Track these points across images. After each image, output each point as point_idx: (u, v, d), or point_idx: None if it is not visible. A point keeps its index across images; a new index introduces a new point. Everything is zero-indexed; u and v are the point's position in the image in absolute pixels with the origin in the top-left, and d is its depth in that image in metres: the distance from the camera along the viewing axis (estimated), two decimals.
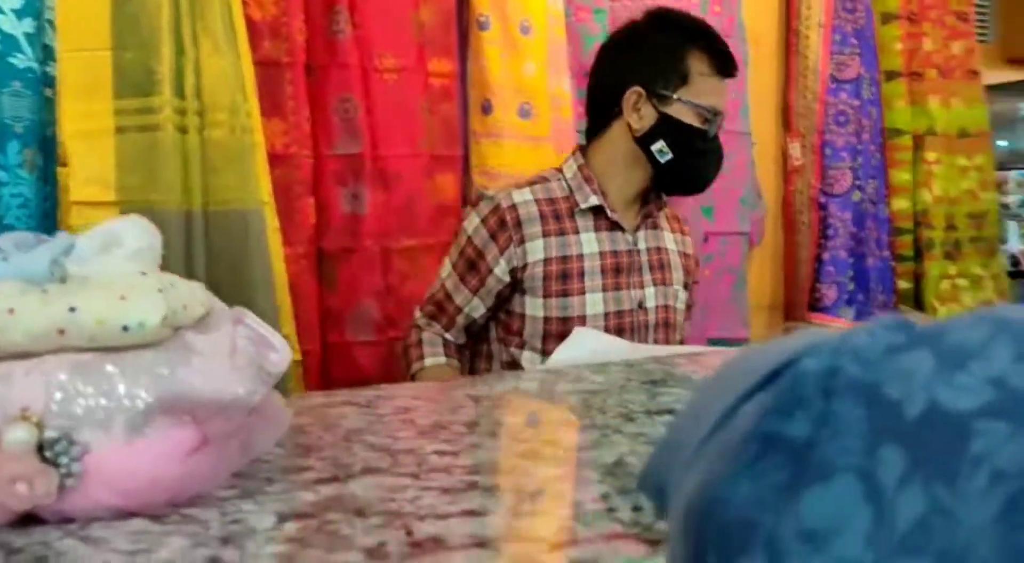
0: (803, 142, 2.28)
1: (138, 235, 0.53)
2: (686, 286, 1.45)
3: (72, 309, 0.48)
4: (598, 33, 2.02)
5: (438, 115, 1.92)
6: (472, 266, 1.33)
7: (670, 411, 0.71)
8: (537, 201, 1.33)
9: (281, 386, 1.48)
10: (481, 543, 0.43)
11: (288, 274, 1.75)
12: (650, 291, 1.36)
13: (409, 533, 0.44)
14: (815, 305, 2.26)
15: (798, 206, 2.29)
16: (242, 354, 0.53)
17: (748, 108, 2.21)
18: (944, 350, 0.25)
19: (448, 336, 1.37)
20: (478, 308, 1.33)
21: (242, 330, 0.58)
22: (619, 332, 1.32)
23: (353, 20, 1.83)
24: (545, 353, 1.28)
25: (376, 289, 1.82)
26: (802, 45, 2.27)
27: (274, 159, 1.75)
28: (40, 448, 0.46)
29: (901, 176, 2.36)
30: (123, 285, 0.50)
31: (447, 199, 1.94)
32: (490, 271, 1.31)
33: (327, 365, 1.79)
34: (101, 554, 0.43)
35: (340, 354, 1.80)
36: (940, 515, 0.22)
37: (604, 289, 1.32)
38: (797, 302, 2.25)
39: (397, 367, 1.85)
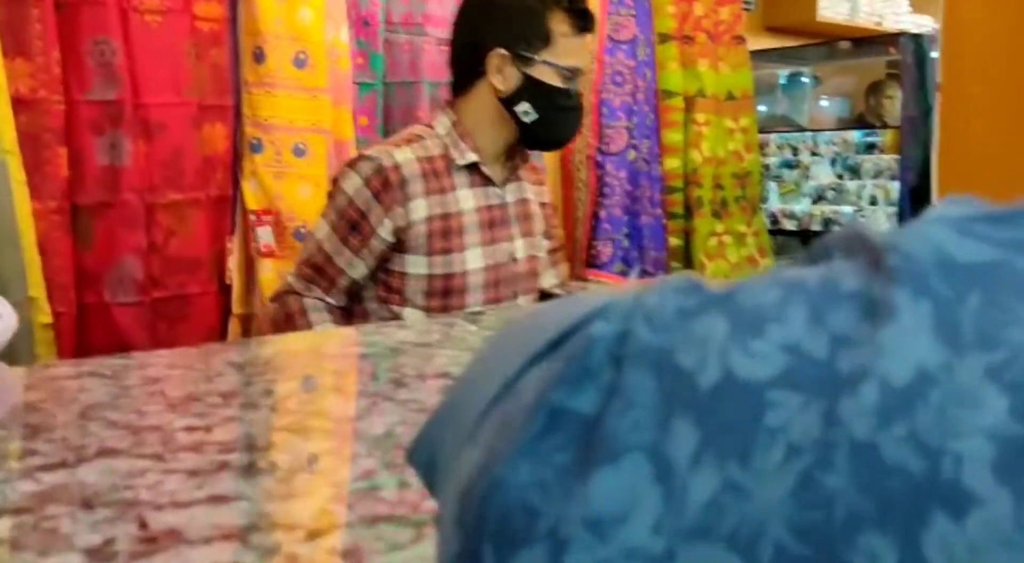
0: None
1: None
2: (546, 235, 1.49)
3: None
4: None
5: (206, 61, 1.81)
6: (354, 227, 1.30)
7: (447, 375, 0.69)
8: (418, 160, 1.31)
9: (26, 353, 1.35)
10: (228, 535, 0.39)
11: (37, 231, 1.60)
12: (519, 243, 1.40)
13: (143, 526, 0.40)
14: (592, 262, 2.33)
15: (576, 164, 2.33)
16: None
17: None
18: (738, 314, 0.23)
19: (329, 299, 1.33)
20: (359, 269, 1.31)
21: None
22: (496, 285, 1.35)
23: None
24: (428, 310, 1.30)
25: (138, 247, 1.70)
26: None
27: (19, 104, 1.59)
28: None
29: (673, 136, 2.46)
30: None
31: (217, 151, 1.83)
32: (373, 232, 1.28)
33: (83, 329, 1.66)
34: None
35: (98, 317, 1.68)
36: (733, 494, 0.20)
37: (482, 244, 1.35)
38: (576, 259, 2.31)
39: (162, 331, 1.74)
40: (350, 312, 1.38)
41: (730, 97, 2.55)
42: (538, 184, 1.51)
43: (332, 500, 0.44)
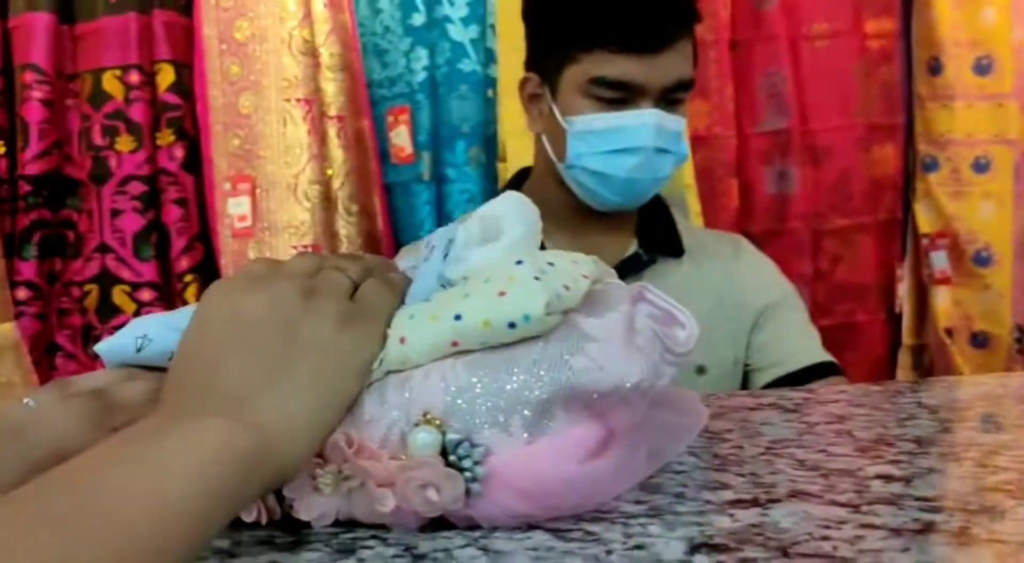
0: None
1: (515, 222, 0.50)
2: None
3: (457, 317, 0.46)
4: None
5: (876, 80, 1.74)
6: None
7: None
8: None
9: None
10: None
11: None
12: None
13: None
14: None
15: None
16: (642, 334, 0.48)
17: None
18: None
19: None
20: None
21: (643, 307, 0.53)
22: None
23: None
24: None
25: (804, 274, 1.70)
26: None
27: (696, 141, 1.71)
28: (443, 452, 0.44)
29: None
30: (501, 281, 0.46)
31: (886, 172, 1.76)
32: None
33: None
34: None
35: None
36: None
37: None
38: None
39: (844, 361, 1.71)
40: None
41: None
42: None
43: None
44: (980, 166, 1.72)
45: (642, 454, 0.50)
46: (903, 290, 1.75)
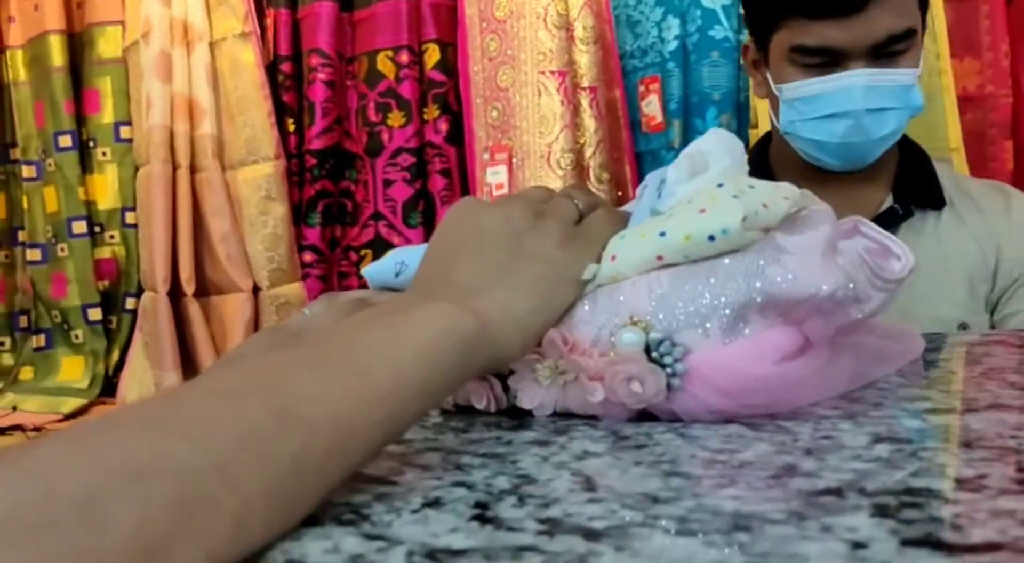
0: None
1: (720, 155, 0.54)
2: None
3: (662, 234, 0.50)
4: None
5: None
6: None
7: None
8: None
9: None
10: None
11: None
12: None
13: (1021, 469, 0.37)
14: None
15: None
16: (846, 255, 0.50)
17: None
18: None
19: None
20: None
21: (858, 240, 0.55)
22: None
23: None
24: None
25: None
26: None
27: (965, 102, 1.62)
28: (647, 349, 0.49)
29: None
30: (702, 200, 0.51)
31: None
32: None
33: None
34: (691, 448, 0.44)
35: None
36: None
37: None
38: None
39: None
40: None
41: None
42: None
43: None
44: None
45: (843, 368, 0.52)
46: None
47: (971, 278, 1.18)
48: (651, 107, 1.72)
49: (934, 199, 1.22)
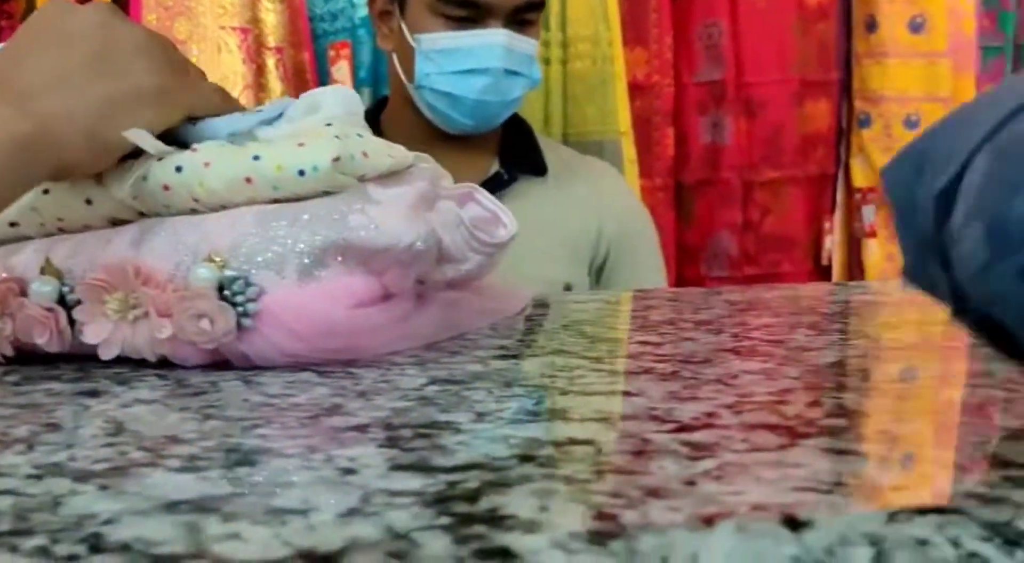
0: None
1: (337, 102, 0.53)
2: None
3: (256, 157, 0.49)
4: None
5: (813, 37, 1.77)
6: None
7: None
8: None
9: None
10: (600, 419, 0.36)
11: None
12: None
13: (537, 403, 0.39)
14: None
15: None
16: (443, 214, 0.51)
17: None
18: None
19: None
20: None
21: (471, 207, 0.56)
22: None
23: None
24: None
25: (734, 224, 1.73)
26: None
27: (634, 89, 1.73)
28: (220, 288, 0.47)
29: None
30: (305, 135, 0.50)
31: (818, 128, 1.78)
32: None
33: None
34: (249, 393, 0.43)
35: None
36: None
37: None
38: None
39: None
40: None
41: None
42: None
43: (721, 406, 0.38)
44: (911, 123, 1.75)
45: (428, 319, 0.53)
46: (830, 243, 1.79)
47: (573, 242, 1.27)
48: (341, 73, 1.69)
49: (537, 166, 1.29)
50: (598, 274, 1.31)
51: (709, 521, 0.25)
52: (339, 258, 0.48)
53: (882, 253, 1.77)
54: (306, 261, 0.48)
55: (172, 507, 0.28)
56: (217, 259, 0.48)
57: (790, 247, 1.77)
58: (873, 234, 1.76)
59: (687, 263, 1.75)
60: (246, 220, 0.49)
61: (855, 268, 1.81)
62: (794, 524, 0.25)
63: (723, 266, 1.72)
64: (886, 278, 1.76)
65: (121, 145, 0.48)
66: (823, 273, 1.79)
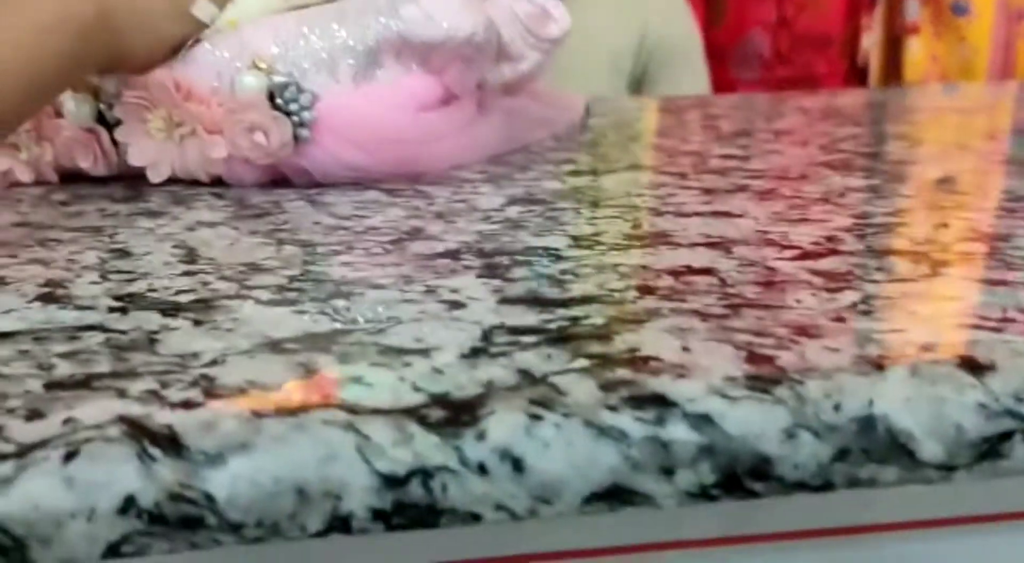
0: None
1: None
2: None
3: None
4: None
5: None
6: None
7: None
8: None
9: None
10: (714, 243, 0.34)
11: None
12: None
13: (636, 226, 0.36)
14: None
15: None
16: (498, 8, 0.47)
17: None
18: None
19: None
20: None
21: (519, 3, 0.51)
22: None
23: None
24: None
25: (767, 21, 1.64)
26: None
27: None
28: (271, 97, 0.44)
29: None
30: None
31: None
32: None
33: None
34: (318, 215, 0.41)
35: (721, 92, 1.69)
36: None
37: None
38: None
39: None
40: None
41: None
42: None
43: (838, 229, 0.35)
44: None
45: (491, 128, 0.49)
46: (868, 42, 1.70)
47: (612, 53, 1.21)
48: None
49: None
50: (638, 83, 1.25)
51: (878, 365, 0.23)
52: (396, 55, 0.44)
53: (925, 53, 1.68)
54: (360, 62, 0.44)
55: (276, 346, 0.26)
56: (263, 66, 0.44)
57: (825, 46, 1.69)
58: (916, 31, 1.67)
59: (715, 65, 1.67)
60: (288, 24, 0.45)
61: (891, 70, 1.73)
62: (974, 367, 0.22)
63: (754, 67, 1.65)
64: (927, 80, 1.69)
65: (175, 40, 0.44)
66: (859, 76, 1.72)
